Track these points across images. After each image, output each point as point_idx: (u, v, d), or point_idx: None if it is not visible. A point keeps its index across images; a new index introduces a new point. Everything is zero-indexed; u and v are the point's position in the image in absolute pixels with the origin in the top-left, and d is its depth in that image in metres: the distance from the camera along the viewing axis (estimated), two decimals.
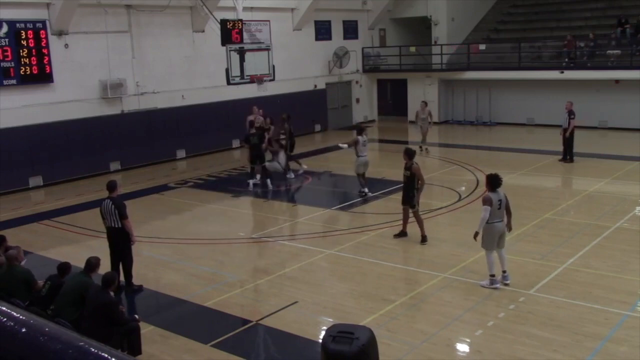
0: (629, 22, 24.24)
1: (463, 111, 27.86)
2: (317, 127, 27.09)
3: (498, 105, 26.65)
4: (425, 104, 21.22)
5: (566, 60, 25.11)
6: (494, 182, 9.23)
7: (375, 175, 16.63)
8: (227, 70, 19.03)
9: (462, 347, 7.78)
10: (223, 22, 18.76)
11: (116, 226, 9.64)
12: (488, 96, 26.78)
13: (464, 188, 15.80)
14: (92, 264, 7.68)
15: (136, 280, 10.11)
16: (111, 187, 9.88)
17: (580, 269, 10.00)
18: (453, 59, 28.08)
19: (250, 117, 17.81)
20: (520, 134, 24.70)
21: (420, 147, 20.20)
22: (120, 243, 9.76)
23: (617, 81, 23.61)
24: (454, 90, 28.17)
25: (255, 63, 19.62)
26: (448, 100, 28.36)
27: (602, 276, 9.69)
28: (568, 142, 18.21)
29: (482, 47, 27.48)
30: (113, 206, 9.61)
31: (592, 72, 23.97)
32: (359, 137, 14.80)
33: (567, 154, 18.29)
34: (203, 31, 21.78)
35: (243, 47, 19.21)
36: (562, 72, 24.25)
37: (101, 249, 11.03)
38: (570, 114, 18.03)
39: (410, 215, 11.74)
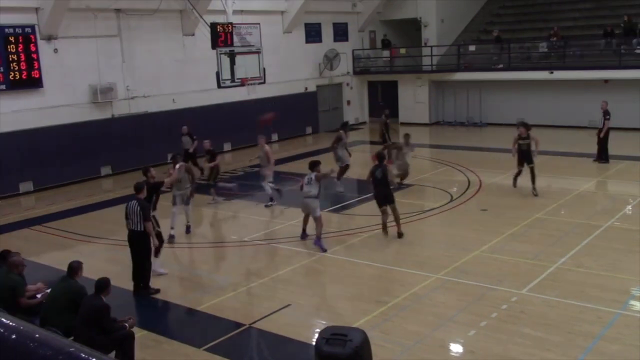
0: (614, 32, 24.17)
1: (454, 112, 27.94)
2: (309, 130, 27.11)
3: (488, 106, 26.75)
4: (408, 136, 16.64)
5: (552, 53, 25.07)
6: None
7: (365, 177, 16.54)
8: (217, 74, 19.05)
9: (456, 348, 7.79)
10: (213, 26, 18.78)
11: (138, 229, 9.56)
12: (478, 97, 26.86)
13: (455, 189, 15.84)
14: (74, 267, 7.57)
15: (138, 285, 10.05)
16: (138, 188, 9.84)
17: (572, 268, 10.04)
18: (443, 60, 28.16)
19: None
20: (511, 134, 24.58)
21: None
22: (141, 245, 9.69)
23: (606, 81, 23.75)
24: (444, 91, 28.24)
25: (245, 66, 19.65)
26: (439, 102, 28.44)
27: (593, 275, 9.73)
28: (602, 143, 17.97)
29: (472, 48, 27.60)
30: (139, 207, 9.53)
31: (581, 72, 24.10)
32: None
33: (603, 155, 18.01)
34: (193, 35, 21.73)
35: (233, 50, 19.23)
36: (552, 73, 24.37)
37: (92, 254, 10.98)
38: (606, 114, 17.79)
39: (390, 213, 11.99)
